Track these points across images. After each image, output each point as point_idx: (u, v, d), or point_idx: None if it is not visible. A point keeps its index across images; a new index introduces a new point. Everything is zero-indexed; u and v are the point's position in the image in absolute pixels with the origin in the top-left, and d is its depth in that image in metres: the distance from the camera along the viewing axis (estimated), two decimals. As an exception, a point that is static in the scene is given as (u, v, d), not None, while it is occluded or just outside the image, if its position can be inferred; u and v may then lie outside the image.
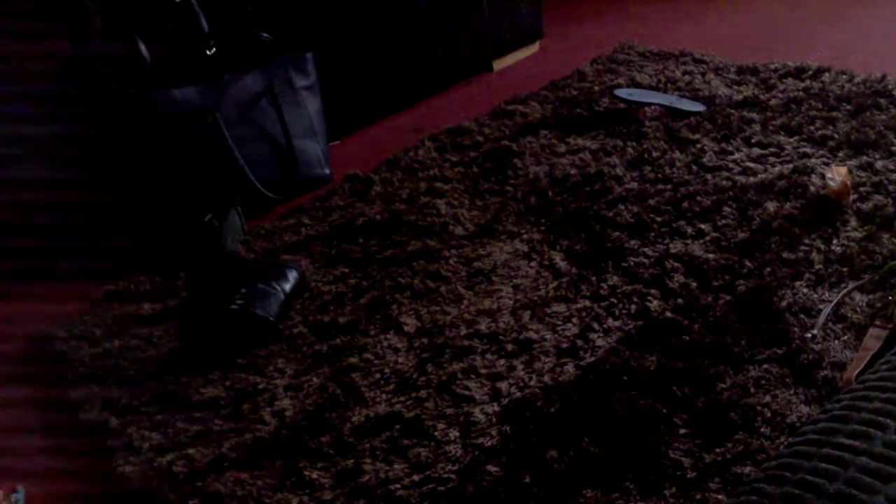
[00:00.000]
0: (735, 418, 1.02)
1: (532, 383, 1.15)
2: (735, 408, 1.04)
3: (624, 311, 1.27)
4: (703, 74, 2.07)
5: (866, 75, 1.87)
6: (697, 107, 1.88)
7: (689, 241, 1.41)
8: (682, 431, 1.02)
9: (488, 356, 1.23)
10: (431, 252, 1.51)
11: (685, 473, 0.96)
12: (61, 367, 1.37)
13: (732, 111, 1.83)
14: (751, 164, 1.60)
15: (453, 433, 1.09)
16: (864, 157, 1.54)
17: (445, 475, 1.03)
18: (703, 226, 1.44)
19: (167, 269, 1.59)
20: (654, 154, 1.71)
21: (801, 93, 1.85)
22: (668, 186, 1.58)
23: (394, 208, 1.68)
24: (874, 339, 1.07)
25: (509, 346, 1.24)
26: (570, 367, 1.17)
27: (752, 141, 1.70)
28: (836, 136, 1.64)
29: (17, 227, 1.61)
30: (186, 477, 1.10)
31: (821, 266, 1.28)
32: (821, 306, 1.19)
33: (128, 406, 1.25)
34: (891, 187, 1.43)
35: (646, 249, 1.40)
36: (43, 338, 1.46)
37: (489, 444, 1.07)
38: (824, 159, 1.58)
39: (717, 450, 0.99)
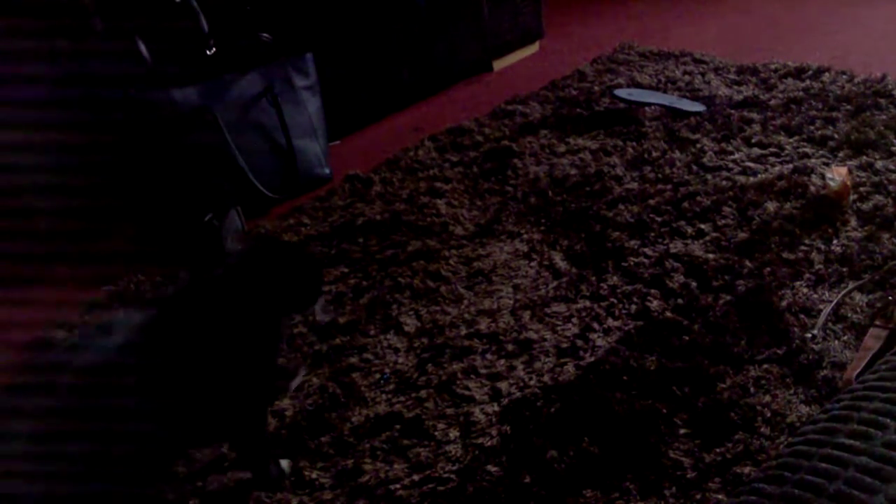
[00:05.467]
0: (735, 418, 1.02)
1: (532, 383, 1.15)
2: (735, 408, 1.04)
3: (624, 311, 1.27)
4: (703, 74, 2.07)
5: (866, 75, 1.87)
6: (697, 107, 1.88)
7: (689, 241, 1.41)
8: (682, 431, 1.02)
9: (488, 356, 1.23)
10: (431, 252, 1.51)
11: (685, 473, 0.96)
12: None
13: (732, 111, 1.83)
14: (751, 164, 1.60)
15: (453, 433, 1.09)
16: (864, 157, 1.54)
17: (445, 475, 1.03)
18: (703, 226, 1.44)
19: (167, 269, 1.59)
20: (654, 154, 1.71)
21: (801, 93, 1.85)
22: (668, 186, 1.58)
23: (394, 208, 1.68)
24: (874, 339, 1.07)
25: (509, 346, 1.24)
26: (570, 367, 1.17)
27: (752, 141, 1.70)
28: (836, 136, 1.64)
29: (17, 228, 1.61)
30: (186, 477, 1.10)
31: (821, 266, 1.28)
32: (821, 306, 1.19)
33: (128, 406, 1.25)
34: (891, 187, 1.43)
35: (646, 249, 1.40)
36: (44, 338, 1.46)
37: (489, 444, 1.06)
38: (824, 159, 1.58)
39: (717, 450, 0.98)
